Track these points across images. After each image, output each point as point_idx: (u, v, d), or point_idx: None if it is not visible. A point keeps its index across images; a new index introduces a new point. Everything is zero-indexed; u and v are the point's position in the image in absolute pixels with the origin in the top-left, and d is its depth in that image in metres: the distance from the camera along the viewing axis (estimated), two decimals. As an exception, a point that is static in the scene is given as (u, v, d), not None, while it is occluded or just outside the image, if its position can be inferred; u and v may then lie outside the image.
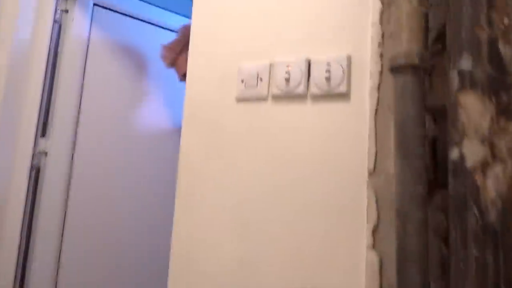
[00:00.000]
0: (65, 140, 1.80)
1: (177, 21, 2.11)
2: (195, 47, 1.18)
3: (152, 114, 2.08)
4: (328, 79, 0.99)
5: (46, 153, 1.74)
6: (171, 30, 2.11)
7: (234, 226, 1.06)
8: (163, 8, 2.14)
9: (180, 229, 1.12)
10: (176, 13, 2.18)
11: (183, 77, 1.68)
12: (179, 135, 1.17)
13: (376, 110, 0.94)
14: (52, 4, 1.78)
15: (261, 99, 1.07)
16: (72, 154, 1.82)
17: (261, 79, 1.07)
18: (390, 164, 0.89)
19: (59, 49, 1.81)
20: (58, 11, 1.82)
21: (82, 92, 1.86)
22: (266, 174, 1.05)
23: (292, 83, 1.02)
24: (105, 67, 1.94)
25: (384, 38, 0.95)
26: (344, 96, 0.98)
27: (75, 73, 1.84)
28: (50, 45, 1.77)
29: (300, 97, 1.02)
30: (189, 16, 1.24)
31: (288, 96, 1.04)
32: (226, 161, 1.10)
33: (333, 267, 0.95)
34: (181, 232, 1.12)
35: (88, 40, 1.89)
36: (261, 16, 1.10)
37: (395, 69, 0.85)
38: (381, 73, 0.96)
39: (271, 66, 1.06)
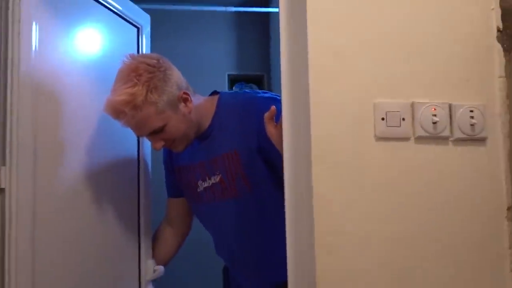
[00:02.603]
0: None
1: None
2: (316, 82, 1.05)
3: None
4: (472, 124, 1.07)
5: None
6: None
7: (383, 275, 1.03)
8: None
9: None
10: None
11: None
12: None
13: (510, 153, 1.09)
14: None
15: (403, 139, 1.06)
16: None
17: (403, 119, 1.06)
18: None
19: None
20: None
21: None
22: (411, 213, 1.05)
23: (440, 125, 1.06)
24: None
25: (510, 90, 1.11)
26: (483, 140, 1.09)
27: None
28: None
29: (443, 140, 1.07)
30: None
31: (433, 138, 1.07)
32: (368, 203, 1.04)
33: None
34: None
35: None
36: (394, 52, 1.09)
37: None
38: (510, 121, 1.11)
39: (412, 106, 1.07)
